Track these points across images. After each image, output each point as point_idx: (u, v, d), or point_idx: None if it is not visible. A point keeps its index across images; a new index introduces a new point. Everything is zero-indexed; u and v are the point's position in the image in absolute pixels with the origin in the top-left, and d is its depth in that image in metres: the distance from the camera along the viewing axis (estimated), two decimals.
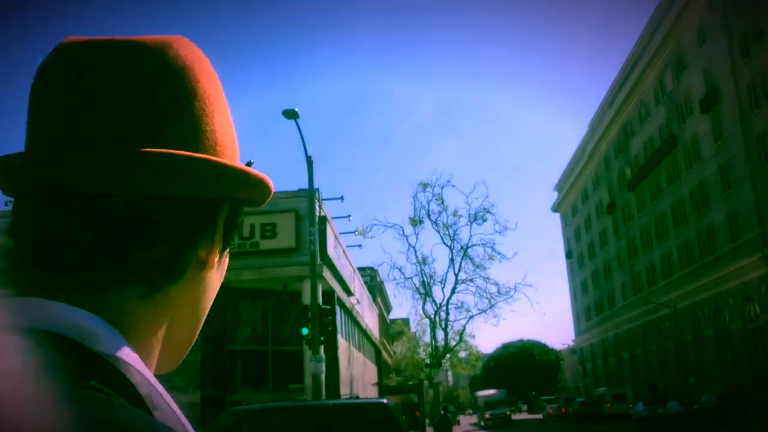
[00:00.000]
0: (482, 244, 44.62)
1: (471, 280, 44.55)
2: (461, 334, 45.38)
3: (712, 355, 45.96)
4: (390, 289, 47.13)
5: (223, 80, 0.68)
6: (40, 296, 0.54)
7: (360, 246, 50.39)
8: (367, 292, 42.61)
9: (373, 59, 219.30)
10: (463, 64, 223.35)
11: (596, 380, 75.38)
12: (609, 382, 67.90)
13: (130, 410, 0.48)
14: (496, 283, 44.67)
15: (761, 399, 37.17)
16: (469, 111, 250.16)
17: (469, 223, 44.58)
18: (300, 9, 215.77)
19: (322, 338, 17.37)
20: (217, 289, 0.69)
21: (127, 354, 0.54)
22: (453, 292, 44.40)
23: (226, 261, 0.70)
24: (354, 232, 35.97)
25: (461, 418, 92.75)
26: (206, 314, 0.69)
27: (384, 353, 51.69)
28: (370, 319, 41.03)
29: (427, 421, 37.13)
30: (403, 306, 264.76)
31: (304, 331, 17.22)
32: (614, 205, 66.51)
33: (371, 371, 40.15)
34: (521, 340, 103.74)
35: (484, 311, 44.45)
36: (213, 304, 0.68)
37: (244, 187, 0.64)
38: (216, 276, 0.68)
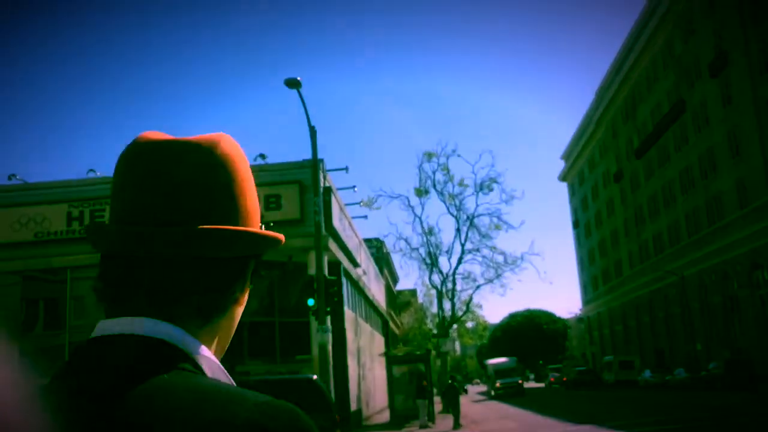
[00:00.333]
0: (488, 213, 44.59)
1: (477, 250, 44.55)
2: (468, 304, 45.47)
3: (719, 322, 45.89)
4: (396, 260, 47.16)
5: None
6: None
7: (366, 217, 50.22)
8: (374, 264, 42.55)
9: (379, 28, 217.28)
10: (471, 28, 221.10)
11: (603, 348, 75.58)
12: (616, 350, 68.06)
13: (214, 380, 0.81)
14: (502, 253, 44.69)
15: None
16: (475, 80, 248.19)
17: (475, 193, 44.46)
18: None
19: (328, 309, 17.29)
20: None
21: (203, 351, 0.84)
22: (459, 262, 44.40)
23: (246, 295, 0.95)
24: (359, 203, 35.77)
25: (468, 387, 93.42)
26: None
27: (391, 324, 51.82)
28: (376, 291, 41.03)
29: (435, 390, 37.30)
30: (410, 277, 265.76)
31: (310, 302, 17.13)
32: (621, 173, 66.03)
33: (379, 342, 40.25)
34: (528, 310, 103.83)
35: (491, 281, 44.52)
36: None
37: (266, 247, 0.90)
38: (242, 307, 0.95)
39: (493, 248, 44.44)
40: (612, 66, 68.22)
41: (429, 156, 43.97)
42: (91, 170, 20.31)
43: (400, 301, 68.58)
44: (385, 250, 51.45)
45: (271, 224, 0.92)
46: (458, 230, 44.40)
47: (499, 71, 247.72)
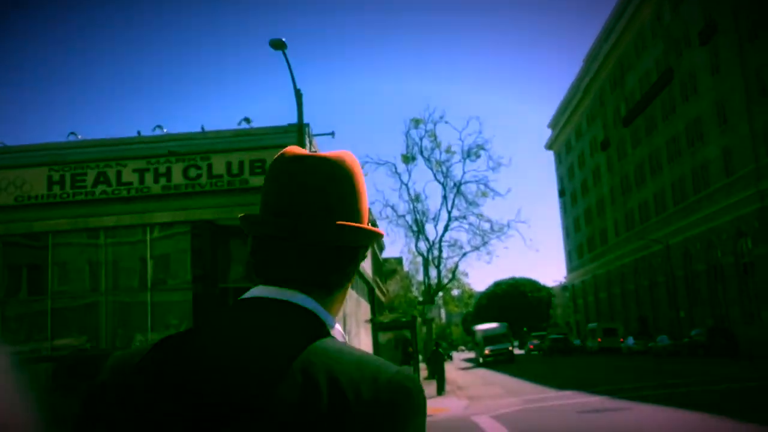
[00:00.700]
0: (475, 180, 44.40)
1: (464, 217, 44.49)
2: (454, 271, 45.55)
3: (703, 290, 46.34)
4: (383, 227, 46.86)
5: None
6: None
7: None
8: None
9: None
10: None
11: (587, 316, 76.36)
12: (600, 317, 68.77)
13: (355, 348, 1.03)
14: (489, 220, 44.62)
15: (751, 332, 37.61)
16: (462, 45, 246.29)
17: (462, 160, 44.21)
18: None
19: None
20: None
21: (333, 321, 1.09)
22: (446, 229, 44.37)
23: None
24: None
25: (453, 354, 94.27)
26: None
27: (377, 291, 51.90)
28: None
29: (420, 356, 37.50)
30: (396, 244, 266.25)
31: None
32: (608, 141, 66.01)
33: (365, 309, 40.27)
34: (513, 278, 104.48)
35: (477, 248, 44.52)
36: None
37: (374, 240, 1.13)
38: (350, 284, 1.17)
39: (479, 215, 44.41)
40: (600, 34, 67.75)
41: (416, 122, 43.62)
42: (72, 133, 19.87)
43: (386, 268, 68.63)
44: (371, 217, 51.27)
45: (375, 222, 1.07)
46: (445, 197, 44.32)
47: (487, 39, 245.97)
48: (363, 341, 34.31)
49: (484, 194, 43.89)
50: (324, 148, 33.16)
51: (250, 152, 19.18)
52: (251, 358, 0.95)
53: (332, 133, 22.54)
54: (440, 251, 44.50)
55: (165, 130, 19.80)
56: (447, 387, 25.45)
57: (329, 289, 1.09)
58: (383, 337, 27.50)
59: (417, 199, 44.58)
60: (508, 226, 44.16)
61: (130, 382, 0.96)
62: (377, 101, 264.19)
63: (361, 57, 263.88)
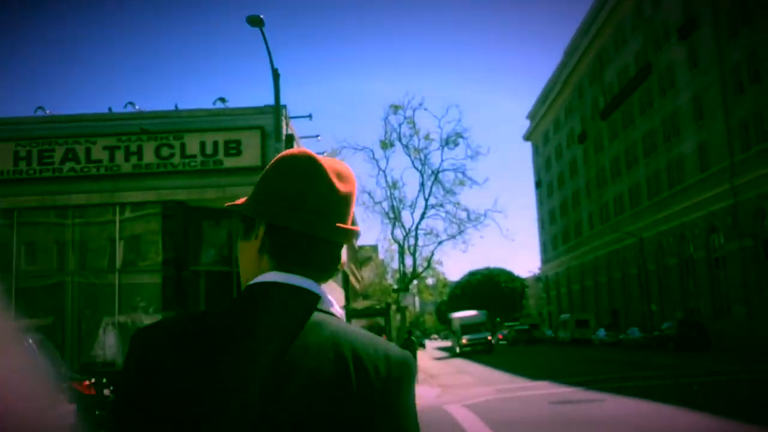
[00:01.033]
0: (453, 169, 44.07)
1: (441, 206, 44.20)
2: (429, 260, 45.36)
3: (675, 284, 46.80)
4: (359, 213, 46.63)
5: None
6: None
7: None
8: None
9: None
10: None
11: (560, 307, 76.95)
12: (572, 309, 69.35)
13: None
14: (466, 209, 44.40)
15: (721, 326, 38.06)
16: (444, 34, 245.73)
17: (440, 147, 43.90)
18: None
19: None
20: None
21: (331, 299, 1.25)
22: (422, 217, 44.11)
23: None
24: (323, 153, 35.01)
25: (426, 342, 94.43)
26: None
27: (352, 278, 51.65)
28: None
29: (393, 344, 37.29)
30: (372, 231, 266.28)
31: None
32: (586, 134, 66.26)
33: (339, 295, 40.03)
34: (488, 268, 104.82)
35: (453, 237, 44.31)
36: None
37: (356, 238, 1.32)
38: None
39: (456, 204, 44.14)
40: (581, 26, 67.85)
41: (395, 108, 43.18)
42: (40, 108, 19.28)
43: (361, 256, 68.45)
44: None
45: (356, 222, 1.25)
46: (422, 185, 44.00)
47: (467, 29, 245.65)
48: None
49: (461, 183, 43.64)
50: (301, 131, 32.78)
51: (225, 132, 18.77)
52: (295, 333, 1.12)
53: (310, 116, 22.26)
54: (416, 239, 44.29)
55: (137, 107, 19.24)
56: (420, 376, 25.32)
57: (327, 277, 1.28)
58: (357, 324, 27.28)
59: (394, 185, 44.26)
60: (485, 215, 43.95)
61: (187, 343, 1.09)
62: (356, 86, 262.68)
63: (342, 42, 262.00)
